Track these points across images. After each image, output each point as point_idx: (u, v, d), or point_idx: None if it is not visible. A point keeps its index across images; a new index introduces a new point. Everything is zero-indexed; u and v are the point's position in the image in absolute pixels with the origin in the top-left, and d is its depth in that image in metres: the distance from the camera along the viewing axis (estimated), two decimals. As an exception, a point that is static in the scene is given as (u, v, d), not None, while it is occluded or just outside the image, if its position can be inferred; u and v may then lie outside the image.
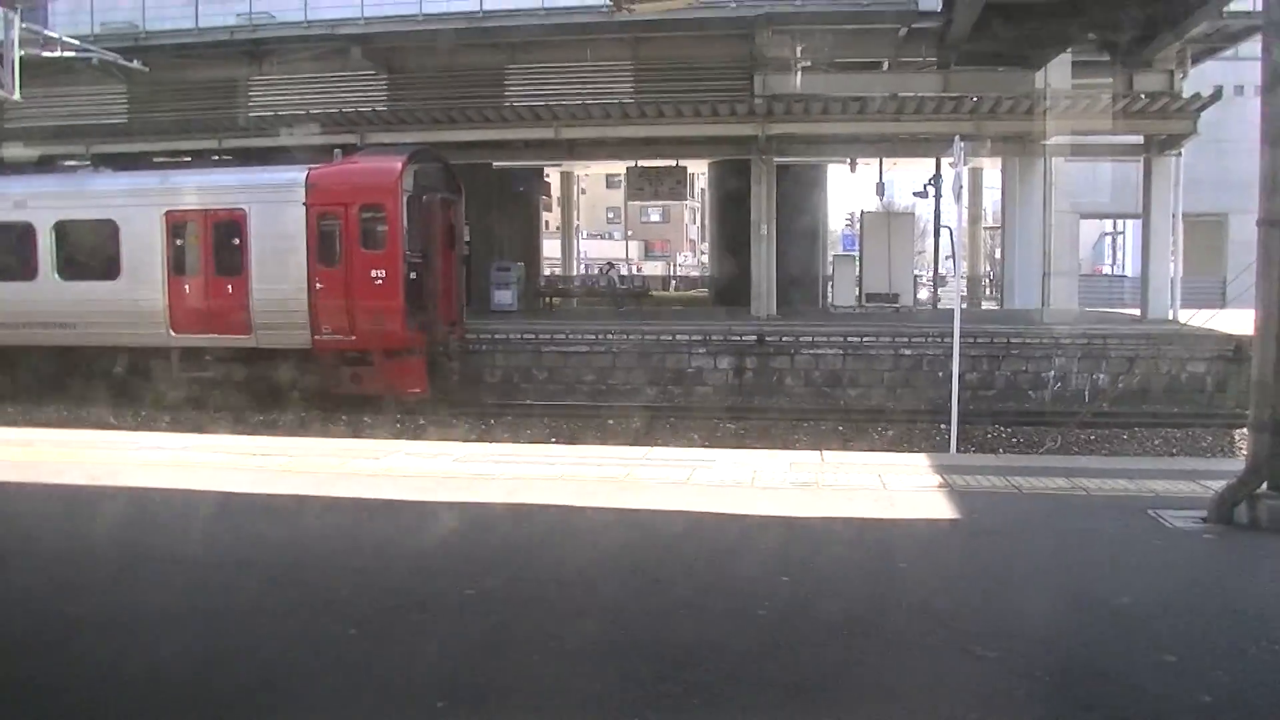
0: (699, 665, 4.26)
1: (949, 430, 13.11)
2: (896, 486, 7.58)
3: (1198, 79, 21.62)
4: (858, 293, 26.55)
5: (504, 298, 25.68)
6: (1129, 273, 37.54)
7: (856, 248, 31.49)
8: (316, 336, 17.52)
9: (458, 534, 6.66)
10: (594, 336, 19.83)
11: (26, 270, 18.77)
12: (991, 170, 33.92)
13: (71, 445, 10.11)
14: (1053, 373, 18.29)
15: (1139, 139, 21.76)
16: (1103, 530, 6.52)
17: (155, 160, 21.30)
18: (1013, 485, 7.62)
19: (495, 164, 27.61)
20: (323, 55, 24.75)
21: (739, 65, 23.23)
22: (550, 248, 45.98)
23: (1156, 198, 21.40)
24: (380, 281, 17.26)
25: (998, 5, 17.52)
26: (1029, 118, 20.79)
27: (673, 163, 28.69)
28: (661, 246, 74.26)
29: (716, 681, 4.12)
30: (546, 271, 40.82)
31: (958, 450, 12.93)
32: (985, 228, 39.23)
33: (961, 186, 14.47)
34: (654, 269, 62.94)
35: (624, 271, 41.88)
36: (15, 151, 23.69)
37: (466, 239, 20.06)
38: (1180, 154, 21.50)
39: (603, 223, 73.43)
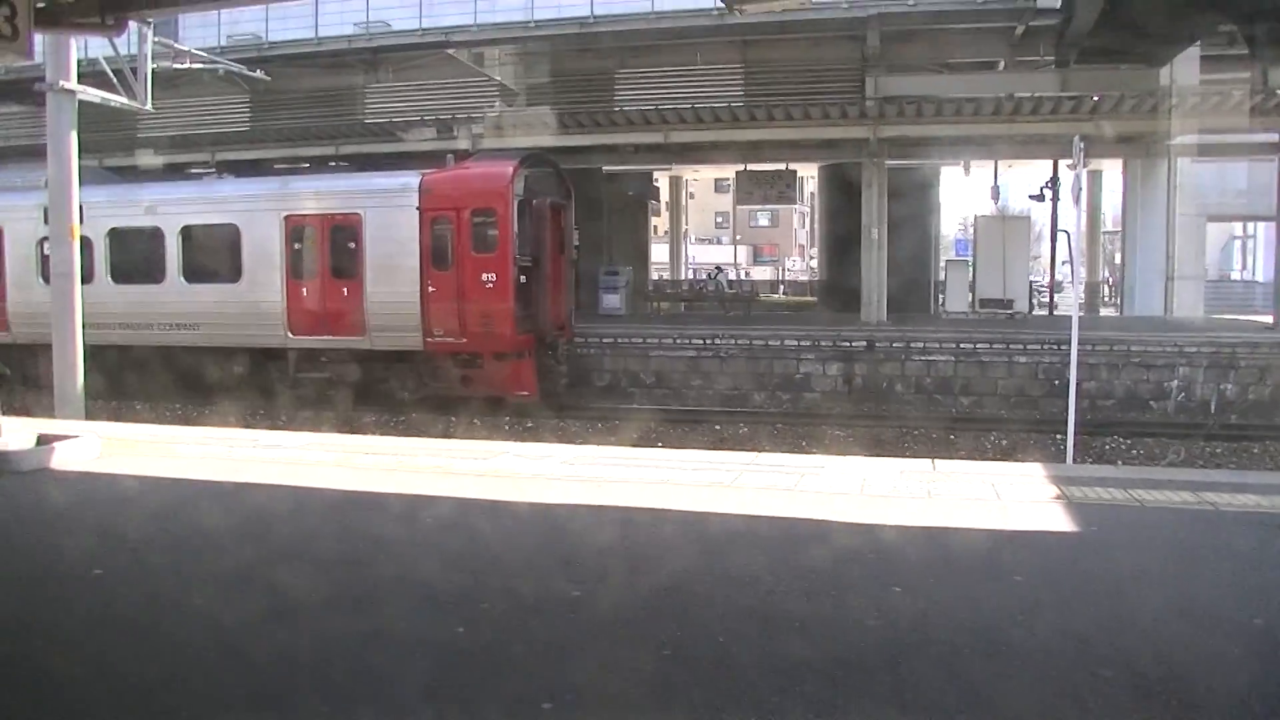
0: (805, 680, 4.17)
1: (1065, 440, 12.71)
2: (1011, 497, 7.35)
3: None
4: (971, 298, 25.99)
5: (612, 301, 25.81)
6: (1260, 278, 36.06)
7: (970, 252, 30.82)
8: (428, 338, 17.84)
9: (564, 536, 6.67)
10: (701, 341, 19.79)
11: (155, 273, 19.54)
12: (1112, 172, 32.91)
13: (188, 442, 10.45)
14: (1176, 382, 17.62)
15: (1275, 137, 20.82)
16: (1232, 547, 6.21)
17: (275, 166, 21.95)
18: (1134, 498, 7.32)
19: (605, 168, 27.78)
20: (436, 62, 25.21)
21: (850, 67, 22.93)
22: (658, 252, 46.12)
23: (1292, 198, 20.47)
24: (491, 285, 17.49)
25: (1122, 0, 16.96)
26: (1153, 116, 20.11)
27: (782, 166, 28.52)
28: (770, 251, 73.90)
29: (826, 696, 4.02)
30: (654, 276, 40.90)
31: (1075, 461, 12.54)
32: (1105, 232, 38.09)
33: (1080, 189, 14.06)
34: (762, 273, 62.58)
35: (732, 276, 41.73)
36: (145, 159, 24.68)
37: (576, 243, 20.22)
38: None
39: (711, 227, 73.40)
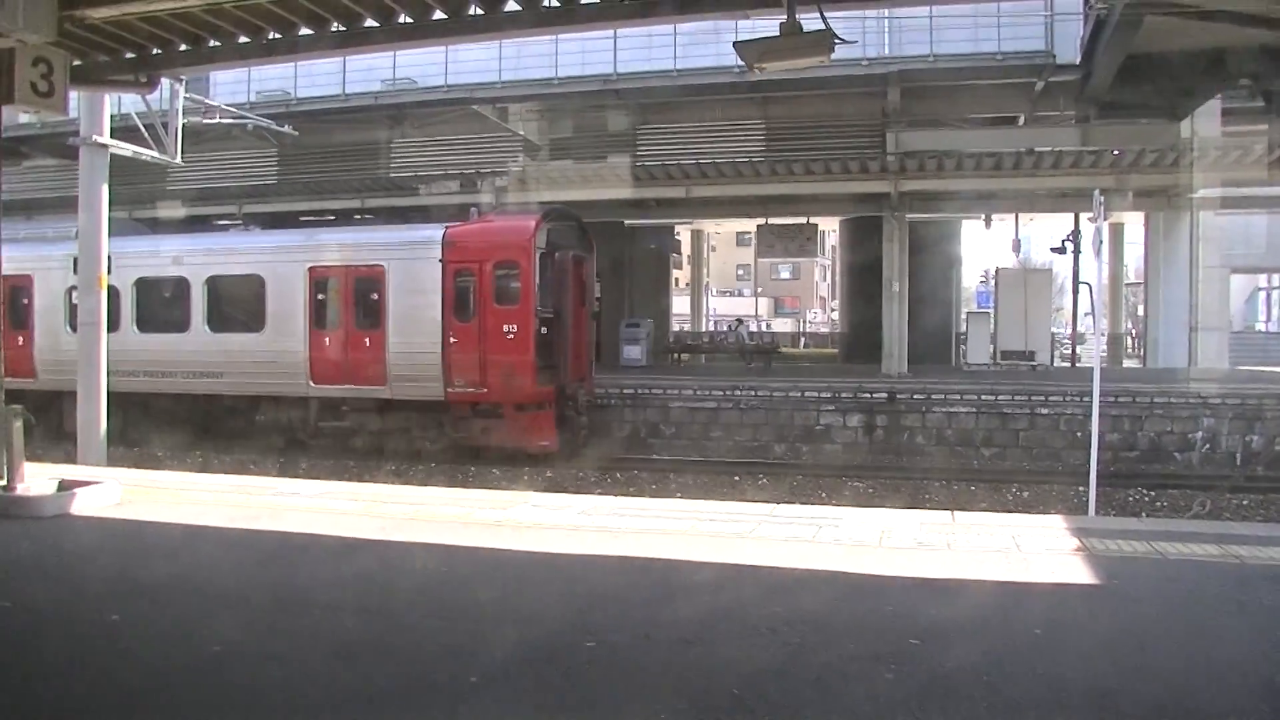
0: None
1: (1087, 492, 12.60)
2: (1031, 549, 7.29)
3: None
4: (992, 350, 25.93)
5: (633, 353, 25.90)
6: (1285, 330, 35.81)
7: (991, 304, 30.78)
8: (449, 389, 17.91)
9: (580, 586, 6.65)
10: (722, 392, 19.79)
11: (181, 322, 19.76)
12: (1134, 224, 32.88)
13: (208, 489, 10.50)
14: (1201, 434, 17.48)
15: (1297, 190, 20.81)
16: (1258, 601, 6.11)
17: (301, 219, 22.22)
18: (1156, 550, 7.24)
19: (627, 222, 27.96)
20: (460, 117, 25.54)
21: (870, 122, 23.12)
22: (680, 304, 46.27)
23: (1317, 250, 20.39)
24: (512, 336, 17.59)
25: (1141, 55, 17.04)
26: (1174, 170, 20.11)
27: (803, 220, 28.62)
28: (792, 303, 74.03)
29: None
30: (676, 328, 40.98)
31: (1097, 513, 12.42)
32: (1127, 284, 37.99)
33: (1101, 242, 14.04)
34: (784, 325, 62.69)
35: (753, 328, 41.76)
36: (173, 211, 25.06)
37: (597, 295, 20.31)
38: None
39: (732, 279, 73.70)
